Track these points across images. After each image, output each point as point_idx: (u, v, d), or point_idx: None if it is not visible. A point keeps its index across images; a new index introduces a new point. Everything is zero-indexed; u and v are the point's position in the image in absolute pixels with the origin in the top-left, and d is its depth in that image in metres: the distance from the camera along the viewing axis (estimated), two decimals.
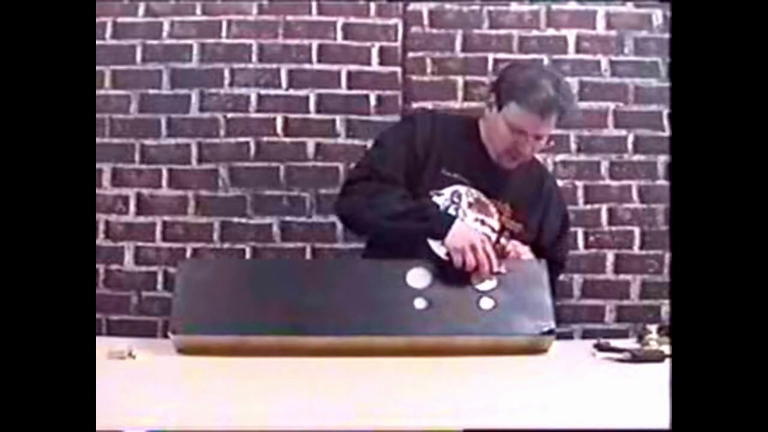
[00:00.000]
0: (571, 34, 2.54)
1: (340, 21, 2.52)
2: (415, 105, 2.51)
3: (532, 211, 1.99)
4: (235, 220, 2.48)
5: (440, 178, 1.90)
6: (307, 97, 2.51)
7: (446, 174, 1.91)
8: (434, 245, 1.78)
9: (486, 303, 1.61)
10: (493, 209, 1.93)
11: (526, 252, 1.84)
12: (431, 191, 1.88)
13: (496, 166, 1.95)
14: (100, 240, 2.45)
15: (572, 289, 2.49)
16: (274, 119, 2.50)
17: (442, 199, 1.88)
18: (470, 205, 1.91)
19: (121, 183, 2.48)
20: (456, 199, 1.90)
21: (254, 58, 2.51)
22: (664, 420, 0.97)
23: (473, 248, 1.66)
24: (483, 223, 1.91)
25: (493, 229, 1.91)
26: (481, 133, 1.97)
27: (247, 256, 2.46)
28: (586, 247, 2.51)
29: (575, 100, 2.13)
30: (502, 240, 1.85)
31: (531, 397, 1.26)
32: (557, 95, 1.84)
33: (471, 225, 1.87)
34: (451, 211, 1.87)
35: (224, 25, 2.51)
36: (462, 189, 1.91)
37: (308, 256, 2.48)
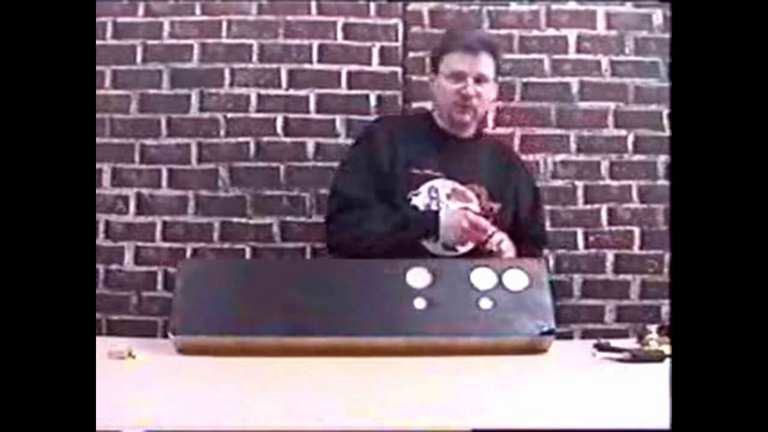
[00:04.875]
0: (571, 34, 2.54)
1: (340, 21, 2.52)
2: (415, 105, 2.51)
3: (505, 187, 2.04)
4: (235, 220, 2.48)
5: (413, 178, 1.93)
6: (307, 97, 2.51)
7: (417, 172, 1.94)
8: (429, 246, 1.80)
9: (486, 303, 1.61)
10: (470, 194, 1.97)
11: (509, 247, 1.88)
12: (408, 193, 1.90)
13: (461, 150, 2.01)
14: (100, 240, 2.45)
15: (572, 289, 2.49)
16: (274, 119, 2.50)
17: (420, 197, 1.91)
18: (448, 196, 1.94)
19: (121, 183, 2.48)
20: (434, 194, 1.94)
21: (254, 58, 2.51)
22: (664, 420, 0.97)
23: (471, 224, 1.72)
24: (465, 210, 1.93)
25: (475, 214, 1.93)
26: (436, 120, 2.02)
27: (247, 256, 2.46)
28: (586, 247, 2.51)
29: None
30: (495, 237, 1.86)
31: (531, 397, 1.26)
32: (484, 36, 2.03)
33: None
34: (433, 206, 1.90)
35: (224, 25, 2.51)
36: (437, 183, 1.95)
37: (308, 256, 2.48)
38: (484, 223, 1.78)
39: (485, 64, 1.97)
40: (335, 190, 2.06)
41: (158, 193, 2.48)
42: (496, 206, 2.00)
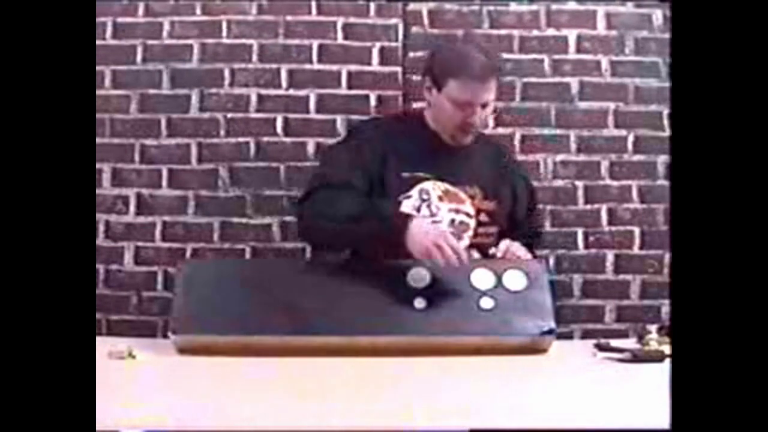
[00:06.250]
0: (571, 34, 2.54)
1: (340, 21, 2.52)
2: (415, 105, 2.51)
3: (500, 187, 2.03)
4: (235, 220, 2.48)
5: (404, 181, 1.90)
6: (307, 97, 2.50)
7: (407, 175, 1.92)
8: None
9: (486, 303, 1.61)
10: (463, 195, 1.94)
11: (524, 253, 1.85)
12: (399, 196, 1.87)
13: (454, 152, 1.98)
14: (100, 240, 2.45)
15: (572, 289, 2.49)
16: (274, 119, 2.50)
17: (411, 200, 1.88)
18: (440, 198, 1.92)
19: (121, 183, 2.48)
20: (425, 197, 1.91)
21: (254, 58, 2.50)
22: (664, 420, 0.97)
23: (438, 247, 1.65)
24: (458, 211, 1.93)
25: (468, 215, 1.93)
26: (429, 122, 2.00)
27: (247, 256, 2.46)
28: (586, 247, 2.51)
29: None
30: (502, 245, 1.84)
31: (531, 397, 1.26)
32: (490, 61, 1.91)
33: (446, 216, 1.90)
34: (423, 208, 1.88)
35: (224, 25, 2.50)
36: (428, 185, 1.92)
37: (308, 256, 2.47)
38: (462, 253, 1.68)
39: (491, 90, 1.91)
40: (316, 173, 1.97)
41: (158, 193, 2.48)
42: (491, 206, 1.98)
